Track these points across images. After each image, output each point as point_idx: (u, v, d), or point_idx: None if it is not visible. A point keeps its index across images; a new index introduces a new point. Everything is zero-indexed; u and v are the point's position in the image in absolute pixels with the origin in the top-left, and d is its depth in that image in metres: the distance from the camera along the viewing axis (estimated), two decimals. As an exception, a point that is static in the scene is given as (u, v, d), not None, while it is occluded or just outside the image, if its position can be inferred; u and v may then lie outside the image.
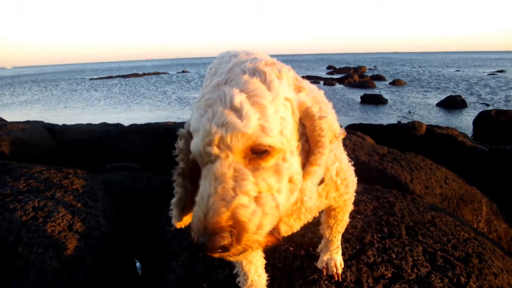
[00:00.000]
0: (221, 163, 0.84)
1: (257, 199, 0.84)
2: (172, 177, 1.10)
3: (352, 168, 1.33)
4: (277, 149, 0.87)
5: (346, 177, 1.24)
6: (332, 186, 1.20)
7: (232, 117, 0.82)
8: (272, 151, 0.86)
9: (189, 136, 0.98)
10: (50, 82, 50.29)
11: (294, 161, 0.92)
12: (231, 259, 0.91)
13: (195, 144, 0.87)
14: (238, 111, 0.83)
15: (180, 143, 1.05)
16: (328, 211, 1.52)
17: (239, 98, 0.84)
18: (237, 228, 0.80)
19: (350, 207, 1.49)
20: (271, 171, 0.87)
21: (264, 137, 0.84)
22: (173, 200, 1.11)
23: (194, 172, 1.05)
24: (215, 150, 0.83)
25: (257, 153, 0.85)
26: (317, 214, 1.25)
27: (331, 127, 0.98)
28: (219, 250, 0.79)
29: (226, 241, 0.78)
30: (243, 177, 0.84)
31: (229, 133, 0.82)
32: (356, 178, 1.37)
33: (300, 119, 0.95)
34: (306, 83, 1.02)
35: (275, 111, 0.87)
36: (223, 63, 1.43)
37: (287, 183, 0.90)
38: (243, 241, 0.81)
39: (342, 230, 1.63)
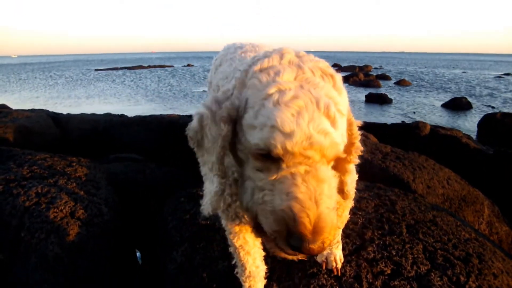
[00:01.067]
0: (323, 168, 0.89)
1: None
2: (213, 168, 1.04)
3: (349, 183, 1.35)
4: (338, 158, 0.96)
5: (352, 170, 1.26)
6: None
7: (329, 127, 0.86)
8: (337, 159, 0.96)
9: (231, 119, 0.97)
10: (56, 72, 50.45)
11: None
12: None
13: (285, 142, 0.85)
14: (332, 121, 0.87)
15: (224, 129, 0.97)
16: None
17: (333, 108, 0.88)
18: (330, 238, 0.87)
19: (350, 204, 1.49)
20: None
21: (341, 148, 0.91)
22: (214, 189, 1.06)
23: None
24: (315, 154, 0.86)
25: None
26: None
27: None
28: (310, 254, 0.87)
29: (322, 248, 0.85)
30: (333, 186, 0.93)
31: (328, 143, 0.86)
32: (357, 175, 1.37)
33: None
34: None
35: (344, 120, 0.95)
36: (228, 54, 1.41)
37: None
38: (326, 246, 0.87)
39: (342, 225, 1.63)
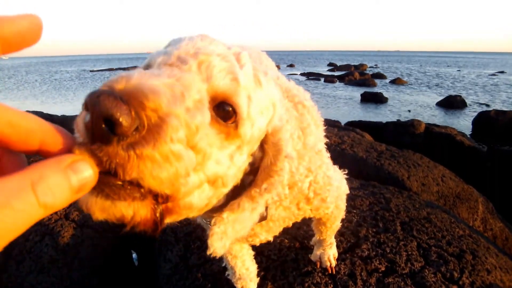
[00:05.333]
0: (197, 79, 0.57)
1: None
2: None
3: (339, 183, 1.23)
4: (240, 131, 0.63)
5: (321, 193, 1.08)
6: (301, 198, 1.05)
7: (233, 59, 0.64)
8: (234, 132, 0.61)
9: None
10: (50, 73, 50.11)
11: (240, 162, 0.67)
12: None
13: (164, 52, 0.63)
14: (241, 64, 0.64)
15: None
16: (316, 218, 1.43)
17: (247, 58, 0.67)
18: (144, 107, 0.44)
19: (340, 216, 1.40)
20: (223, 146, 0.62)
21: (239, 100, 0.61)
22: None
23: None
24: (194, 64, 0.59)
25: (219, 109, 0.60)
26: (290, 224, 1.13)
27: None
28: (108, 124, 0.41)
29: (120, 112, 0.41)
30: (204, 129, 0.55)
31: (224, 66, 0.61)
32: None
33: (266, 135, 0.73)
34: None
35: (264, 106, 0.69)
36: None
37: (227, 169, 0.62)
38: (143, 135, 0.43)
39: (333, 233, 1.59)
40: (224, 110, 0.60)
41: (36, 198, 0.28)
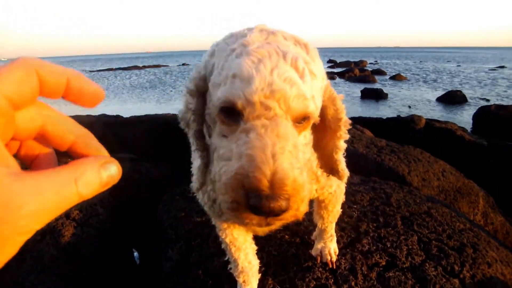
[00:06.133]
0: (285, 123, 0.76)
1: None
2: (192, 144, 0.98)
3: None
4: (311, 123, 0.87)
5: None
6: (312, 177, 1.17)
7: (296, 77, 0.76)
8: (307, 125, 0.86)
9: (200, 92, 0.92)
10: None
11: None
12: (271, 225, 0.78)
13: (244, 90, 0.75)
14: (300, 73, 0.78)
15: (192, 103, 0.92)
16: (318, 202, 1.52)
17: (301, 61, 0.79)
18: (295, 197, 0.71)
19: (341, 199, 1.49)
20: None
21: (312, 107, 0.80)
22: (197, 165, 1.00)
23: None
24: (276, 106, 0.75)
25: (298, 122, 0.82)
26: None
27: None
28: (273, 214, 0.70)
29: (284, 206, 0.69)
30: (298, 147, 0.79)
31: (295, 93, 0.75)
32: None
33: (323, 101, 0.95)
34: None
35: (319, 86, 0.88)
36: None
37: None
38: (294, 210, 0.72)
39: (335, 220, 1.62)
40: (303, 120, 0.82)
41: (76, 189, 0.39)
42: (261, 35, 0.85)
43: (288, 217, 0.73)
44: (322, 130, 1.02)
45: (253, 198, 0.68)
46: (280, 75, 0.75)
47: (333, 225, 1.67)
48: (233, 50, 0.82)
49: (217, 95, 0.80)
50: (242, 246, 1.43)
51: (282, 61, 0.77)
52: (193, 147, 0.98)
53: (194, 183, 1.05)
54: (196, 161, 1.03)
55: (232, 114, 0.79)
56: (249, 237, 1.45)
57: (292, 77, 0.75)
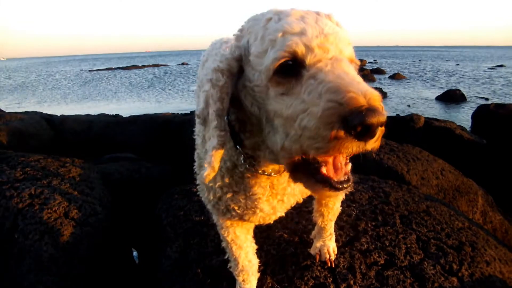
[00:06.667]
0: (345, 59, 0.82)
1: None
2: (212, 122, 0.93)
3: None
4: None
5: None
6: None
7: (336, 26, 0.86)
8: None
9: (231, 73, 0.92)
10: (49, 73, 50.05)
11: None
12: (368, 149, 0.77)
13: (301, 38, 0.79)
14: (339, 26, 0.88)
15: (222, 80, 0.91)
16: (318, 199, 1.54)
17: (334, 15, 0.90)
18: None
19: (341, 196, 1.51)
20: None
21: (354, 54, 0.89)
22: (213, 144, 0.93)
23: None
24: (333, 47, 0.81)
25: None
26: (301, 200, 1.27)
27: None
28: (378, 126, 0.70)
29: (384, 119, 0.70)
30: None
31: (344, 36, 0.85)
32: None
33: None
34: None
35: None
36: (214, 50, 1.40)
37: None
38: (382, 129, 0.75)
39: (334, 218, 1.64)
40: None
41: None
42: (295, 11, 0.89)
43: (380, 136, 0.76)
44: None
45: (357, 117, 0.67)
46: (323, 24, 0.83)
47: (333, 223, 1.68)
48: (269, 20, 0.88)
49: (269, 58, 0.82)
50: (243, 245, 1.43)
51: (319, 16, 0.86)
52: (212, 125, 0.92)
53: (209, 167, 0.95)
54: (211, 140, 0.94)
55: (289, 70, 0.81)
56: (249, 236, 1.46)
57: (334, 26, 0.85)
